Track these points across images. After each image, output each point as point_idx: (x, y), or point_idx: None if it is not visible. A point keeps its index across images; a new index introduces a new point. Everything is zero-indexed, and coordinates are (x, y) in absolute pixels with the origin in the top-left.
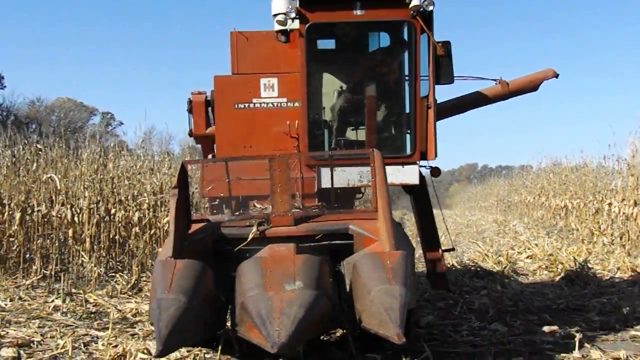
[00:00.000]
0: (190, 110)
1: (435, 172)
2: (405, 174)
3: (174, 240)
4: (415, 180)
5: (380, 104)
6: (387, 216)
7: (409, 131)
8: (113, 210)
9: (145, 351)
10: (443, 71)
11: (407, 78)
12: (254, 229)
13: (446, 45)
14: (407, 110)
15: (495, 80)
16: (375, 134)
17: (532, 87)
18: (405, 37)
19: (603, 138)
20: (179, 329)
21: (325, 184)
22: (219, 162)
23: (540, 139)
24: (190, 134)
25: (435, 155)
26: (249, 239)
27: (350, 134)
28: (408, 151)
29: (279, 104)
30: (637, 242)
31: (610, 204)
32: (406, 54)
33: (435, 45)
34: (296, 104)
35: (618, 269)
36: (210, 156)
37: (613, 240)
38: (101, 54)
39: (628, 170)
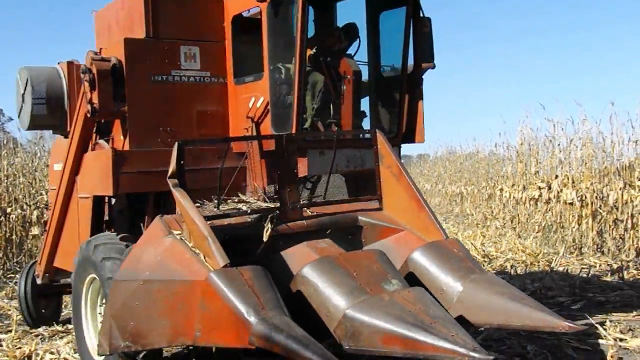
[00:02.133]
0: (92, 82)
1: None
2: (368, 160)
3: (217, 242)
4: None
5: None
6: (425, 202)
7: (393, 111)
8: (9, 210)
9: (54, 352)
10: (426, 50)
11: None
12: (268, 226)
13: (428, 22)
14: (393, 89)
15: None
16: (359, 114)
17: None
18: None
19: (494, 127)
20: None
21: (316, 170)
22: (219, 142)
23: (435, 129)
24: (94, 113)
25: (423, 139)
26: (266, 239)
27: (325, 113)
28: (391, 133)
29: (201, 79)
30: (527, 224)
31: (501, 190)
32: (400, 28)
33: (424, 21)
34: (221, 80)
35: (510, 250)
36: (104, 142)
37: (505, 223)
38: None
39: (517, 157)
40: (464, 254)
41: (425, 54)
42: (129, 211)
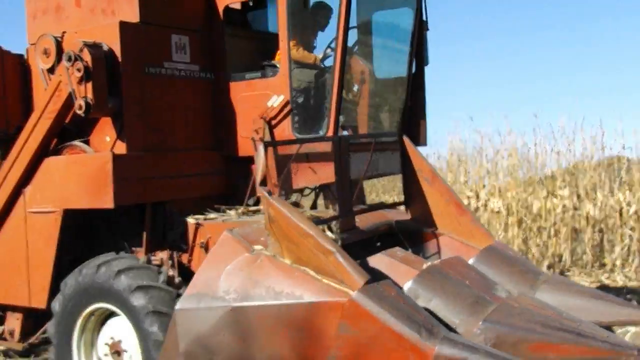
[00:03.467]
0: (86, 72)
1: None
2: (387, 162)
3: (347, 257)
4: (397, 170)
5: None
6: (464, 205)
7: (397, 114)
8: None
9: None
10: (425, 52)
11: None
12: (336, 236)
13: (426, 24)
14: (394, 90)
15: None
16: (374, 116)
17: None
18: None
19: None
20: None
21: (353, 174)
22: (303, 142)
23: None
24: (89, 111)
25: (426, 142)
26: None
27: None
28: (394, 135)
29: (191, 73)
30: None
31: None
32: (407, 26)
33: (426, 21)
34: (208, 75)
35: None
36: (82, 144)
37: None
38: None
39: (447, 167)
40: (518, 256)
41: (425, 56)
42: (76, 228)
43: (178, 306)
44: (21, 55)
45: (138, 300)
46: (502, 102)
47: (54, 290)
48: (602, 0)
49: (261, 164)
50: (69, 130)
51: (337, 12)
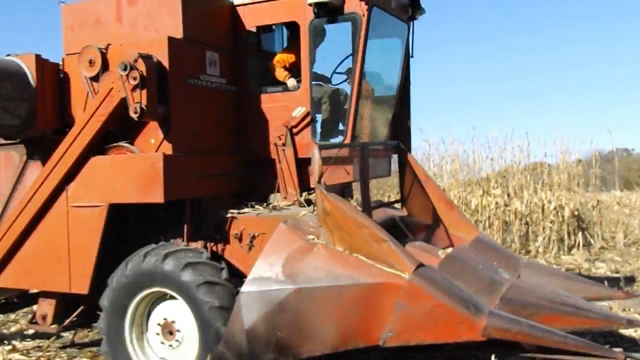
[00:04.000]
0: (142, 80)
1: None
2: (377, 167)
3: (399, 244)
4: (387, 173)
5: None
6: (454, 203)
7: (387, 127)
8: None
9: None
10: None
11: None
12: None
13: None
14: (385, 106)
15: None
16: (375, 127)
17: None
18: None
19: None
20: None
21: (355, 176)
22: (356, 147)
23: None
24: (143, 115)
25: (410, 149)
26: None
27: (336, 125)
28: (396, 144)
29: (220, 86)
30: None
31: (389, 196)
32: (399, 51)
33: (412, 47)
34: (232, 88)
35: None
36: (128, 145)
37: None
38: None
39: None
40: (501, 245)
41: (408, 77)
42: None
43: (243, 289)
44: (58, 64)
45: (189, 277)
46: (446, 112)
47: (94, 276)
48: (537, 11)
49: (317, 165)
50: (111, 133)
51: (357, 36)
